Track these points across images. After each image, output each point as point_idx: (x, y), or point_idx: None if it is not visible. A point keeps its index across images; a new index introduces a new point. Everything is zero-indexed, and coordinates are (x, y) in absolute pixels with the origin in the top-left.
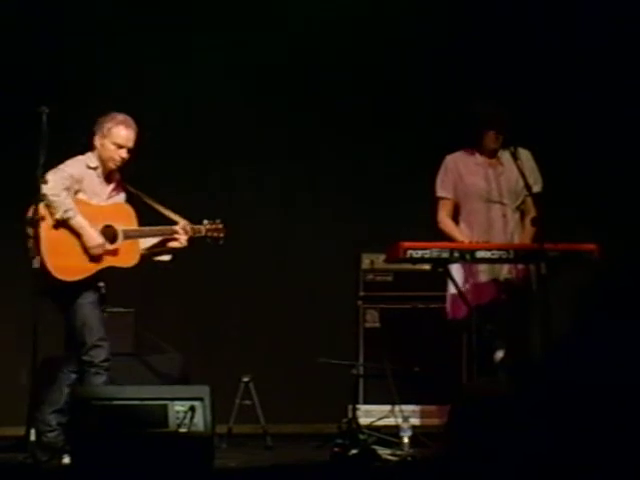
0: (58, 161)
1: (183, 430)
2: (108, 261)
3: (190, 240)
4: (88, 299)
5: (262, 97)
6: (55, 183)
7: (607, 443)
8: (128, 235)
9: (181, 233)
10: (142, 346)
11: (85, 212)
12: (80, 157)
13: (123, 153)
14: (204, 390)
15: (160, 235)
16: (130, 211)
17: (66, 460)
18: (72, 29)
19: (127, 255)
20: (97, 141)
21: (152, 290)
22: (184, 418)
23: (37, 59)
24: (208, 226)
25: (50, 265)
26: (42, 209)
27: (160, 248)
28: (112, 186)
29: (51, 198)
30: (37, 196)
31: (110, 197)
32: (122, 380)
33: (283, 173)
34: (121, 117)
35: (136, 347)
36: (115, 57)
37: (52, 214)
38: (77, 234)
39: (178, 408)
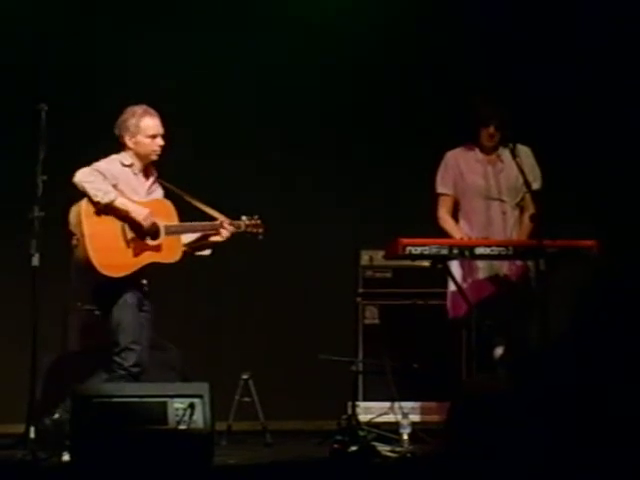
0: (58, 158)
1: (182, 427)
2: (151, 257)
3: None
4: (127, 299)
5: (262, 94)
6: (88, 172)
7: (606, 440)
8: (170, 231)
9: (223, 228)
10: None
11: None
12: (113, 156)
13: (160, 141)
14: (203, 387)
15: (201, 231)
16: (170, 207)
17: (66, 457)
18: (73, 25)
19: (170, 251)
20: (129, 142)
21: (152, 287)
22: (183, 415)
23: (36, 56)
24: (247, 222)
25: (96, 262)
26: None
27: (200, 243)
28: (150, 181)
29: (85, 185)
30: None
31: (149, 193)
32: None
33: (282, 170)
34: (140, 109)
35: None
36: (114, 53)
37: (94, 203)
38: (121, 225)
39: (177, 405)
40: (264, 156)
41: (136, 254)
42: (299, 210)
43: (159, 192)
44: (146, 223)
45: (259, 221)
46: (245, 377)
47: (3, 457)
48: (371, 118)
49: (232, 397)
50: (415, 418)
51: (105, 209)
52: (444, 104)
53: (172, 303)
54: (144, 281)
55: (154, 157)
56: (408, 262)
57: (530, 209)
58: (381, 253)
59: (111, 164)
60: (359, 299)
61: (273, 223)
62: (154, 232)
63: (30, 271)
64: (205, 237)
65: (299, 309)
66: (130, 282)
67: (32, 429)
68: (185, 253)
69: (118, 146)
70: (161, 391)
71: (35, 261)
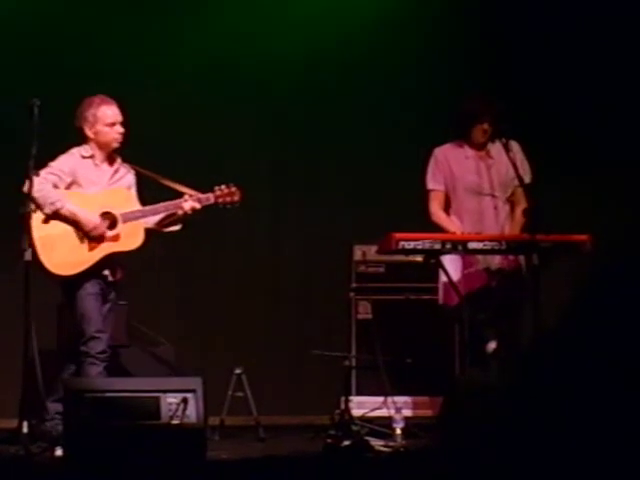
0: (50, 153)
1: (175, 422)
2: (109, 248)
3: (201, 209)
4: (88, 290)
5: (258, 90)
6: (38, 181)
7: (601, 435)
8: (128, 218)
9: (185, 202)
10: (135, 338)
11: (80, 204)
12: (73, 149)
13: (119, 128)
14: (196, 382)
15: (164, 211)
16: (128, 194)
17: (59, 452)
18: (67, 20)
19: (129, 238)
20: (89, 132)
21: (145, 282)
22: (176, 410)
23: (30, 51)
24: (218, 192)
25: (48, 264)
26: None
27: (168, 220)
28: (113, 170)
29: (35, 195)
30: (26, 192)
31: (114, 182)
32: (115, 372)
33: (275, 165)
34: (97, 99)
35: (129, 339)
36: (110, 48)
37: (42, 212)
38: (73, 225)
39: (170, 400)
40: (257, 151)
41: (91, 248)
42: (292, 205)
43: (128, 178)
44: (93, 233)
45: (233, 188)
46: (238, 372)
47: None
48: (365, 114)
49: (225, 392)
50: (408, 413)
51: (53, 216)
52: (437, 101)
53: (165, 298)
54: (106, 272)
55: (115, 145)
56: (401, 257)
57: (522, 203)
58: (374, 248)
59: (69, 159)
60: (352, 294)
61: (266, 218)
62: (111, 222)
63: (23, 265)
64: (172, 215)
65: (292, 304)
66: (90, 275)
67: (25, 424)
68: (150, 232)
69: (79, 138)
70: (154, 386)
71: (27, 255)
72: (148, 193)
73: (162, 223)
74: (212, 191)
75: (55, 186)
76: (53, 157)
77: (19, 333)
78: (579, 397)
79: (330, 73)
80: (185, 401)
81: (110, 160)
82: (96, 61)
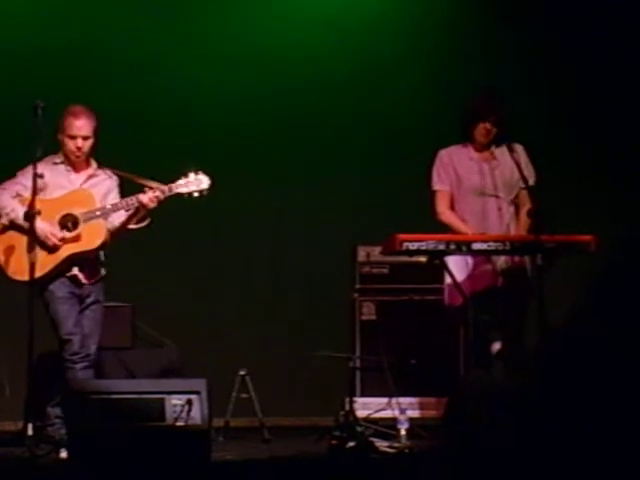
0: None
1: (180, 424)
2: (69, 249)
3: (163, 199)
4: (56, 294)
5: (261, 89)
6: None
7: (607, 435)
8: (89, 217)
9: (147, 194)
10: (139, 340)
11: (42, 208)
12: (50, 155)
13: (78, 142)
14: (201, 383)
15: (125, 207)
16: (89, 193)
17: (63, 454)
18: (72, 22)
19: (90, 237)
20: (59, 138)
21: (149, 284)
22: (181, 411)
23: (35, 53)
24: (179, 182)
25: (8, 271)
26: None
27: (135, 218)
28: (86, 176)
29: None
30: None
31: (88, 188)
32: (119, 374)
33: (279, 165)
34: (71, 108)
35: (133, 341)
36: (113, 51)
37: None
38: (29, 234)
39: (175, 402)
40: (261, 150)
41: (51, 251)
42: (296, 206)
43: (106, 184)
44: (48, 243)
45: (200, 176)
46: (242, 373)
47: (1, 454)
48: (369, 115)
49: (230, 393)
50: (413, 414)
51: (11, 226)
52: (440, 102)
53: (170, 300)
54: (75, 272)
55: (73, 158)
56: (405, 258)
57: (526, 205)
58: (378, 249)
59: (41, 165)
60: (356, 295)
61: (271, 219)
62: (73, 222)
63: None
64: (136, 211)
65: (296, 305)
66: (55, 277)
67: (30, 426)
68: (113, 233)
69: None
70: (159, 387)
71: (32, 257)
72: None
73: (128, 222)
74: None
75: (19, 195)
76: None
77: (23, 336)
78: (586, 397)
79: (334, 73)
80: (190, 403)
81: (82, 166)
82: (104, 63)
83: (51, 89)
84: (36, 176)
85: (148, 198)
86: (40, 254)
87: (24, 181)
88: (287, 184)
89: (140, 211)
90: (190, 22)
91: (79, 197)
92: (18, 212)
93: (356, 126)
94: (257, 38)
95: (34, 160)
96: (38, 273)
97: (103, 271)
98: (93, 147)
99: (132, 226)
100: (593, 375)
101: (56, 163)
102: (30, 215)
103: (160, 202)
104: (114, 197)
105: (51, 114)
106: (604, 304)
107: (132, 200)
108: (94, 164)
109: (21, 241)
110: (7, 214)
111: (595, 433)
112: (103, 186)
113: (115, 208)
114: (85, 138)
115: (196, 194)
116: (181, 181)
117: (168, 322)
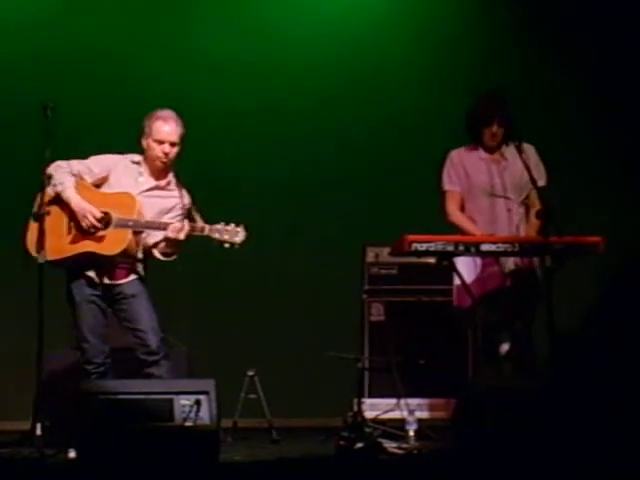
0: (64, 156)
1: (189, 424)
2: (87, 246)
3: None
4: (75, 297)
5: (265, 88)
6: (61, 163)
7: (614, 436)
8: (120, 224)
9: (177, 225)
10: None
11: (90, 197)
12: (133, 154)
13: (165, 148)
14: (209, 384)
15: (157, 228)
16: (134, 201)
17: (72, 454)
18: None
19: (111, 243)
20: (142, 142)
21: (158, 285)
22: (190, 412)
23: (44, 54)
24: (217, 226)
25: (28, 242)
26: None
27: (166, 245)
28: (155, 185)
29: (48, 171)
30: (42, 190)
31: (150, 196)
32: (128, 374)
33: (288, 166)
34: (160, 113)
35: None
36: (122, 54)
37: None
38: (69, 214)
39: (184, 402)
40: (270, 151)
41: (73, 242)
42: (305, 207)
43: (172, 200)
44: (84, 223)
45: (238, 228)
46: (251, 374)
47: (10, 454)
48: (376, 114)
49: (238, 394)
50: (421, 415)
51: (56, 199)
52: (452, 102)
53: (178, 300)
54: (91, 273)
55: (159, 164)
56: (414, 259)
57: (536, 206)
58: (387, 250)
59: (112, 159)
60: (365, 296)
61: (279, 220)
62: (105, 222)
63: (37, 267)
64: (167, 240)
65: (305, 306)
66: (74, 276)
67: (38, 426)
68: (128, 250)
69: None
70: (167, 388)
71: (41, 258)
72: None
73: (158, 245)
74: (212, 224)
75: (79, 176)
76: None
77: (33, 335)
78: (594, 399)
79: (343, 75)
80: (198, 403)
81: (159, 175)
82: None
83: (59, 91)
84: (44, 176)
85: (172, 235)
86: (61, 239)
87: (92, 166)
88: (297, 185)
89: (169, 241)
90: (190, 23)
91: (124, 201)
92: (66, 187)
93: (365, 126)
94: (259, 39)
95: (44, 162)
96: (54, 256)
97: (141, 270)
98: (178, 155)
99: (158, 255)
100: (601, 377)
101: (133, 162)
102: (39, 215)
103: (187, 237)
104: (172, 218)
105: (60, 115)
106: (615, 307)
107: (162, 227)
108: (172, 177)
109: (59, 221)
110: (55, 185)
111: (603, 434)
112: (167, 202)
113: (147, 225)
114: (173, 144)
115: (226, 245)
116: (219, 226)
117: (176, 323)
